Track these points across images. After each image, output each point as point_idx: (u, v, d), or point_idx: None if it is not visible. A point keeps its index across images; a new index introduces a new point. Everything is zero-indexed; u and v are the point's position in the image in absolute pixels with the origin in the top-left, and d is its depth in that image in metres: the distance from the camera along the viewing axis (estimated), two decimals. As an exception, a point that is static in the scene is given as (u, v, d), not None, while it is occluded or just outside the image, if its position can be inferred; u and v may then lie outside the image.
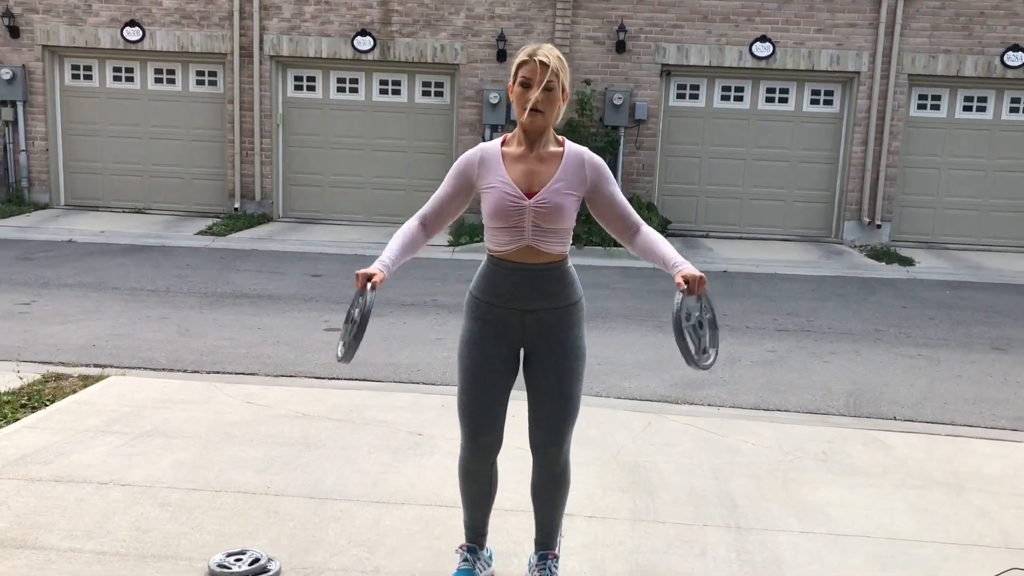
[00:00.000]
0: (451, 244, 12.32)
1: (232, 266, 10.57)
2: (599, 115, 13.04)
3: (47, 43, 13.53)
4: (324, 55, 13.34)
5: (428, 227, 3.15)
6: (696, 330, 3.00)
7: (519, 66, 2.96)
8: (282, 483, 4.06)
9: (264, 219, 13.59)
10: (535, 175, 2.99)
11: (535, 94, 2.91)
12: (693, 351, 2.96)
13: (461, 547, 3.28)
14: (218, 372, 6.20)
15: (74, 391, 5.33)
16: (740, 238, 13.54)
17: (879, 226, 13.32)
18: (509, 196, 2.96)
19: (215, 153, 13.87)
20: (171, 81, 13.85)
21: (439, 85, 13.64)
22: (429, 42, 13.21)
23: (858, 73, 13.02)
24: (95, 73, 13.90)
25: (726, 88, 13.42)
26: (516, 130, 3.05)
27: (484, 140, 13.16)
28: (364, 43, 13.22)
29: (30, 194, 13.85)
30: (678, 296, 2.91)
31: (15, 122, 13.66)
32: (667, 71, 13.27)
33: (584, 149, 3.08)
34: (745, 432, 5.16)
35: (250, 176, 13.69)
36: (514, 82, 2.96)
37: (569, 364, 3.07)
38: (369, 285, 2.90)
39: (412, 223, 3.15)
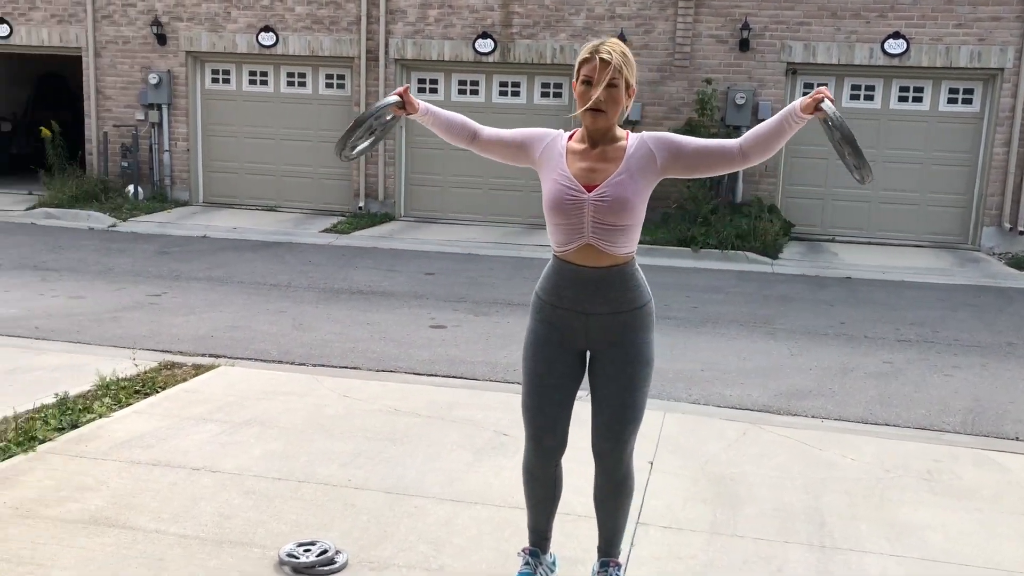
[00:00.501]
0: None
1: (352, 263, 10.88)
2: (720, 115, 12.74)
3: (190, 49, 14.29)
4: (447, 58, 13.57)
5: (475, 139, 3.13)
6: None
7: (581, 63, 2.90)
8: (363, 477, 4.15)
9: (386, 218, 13.94)
10: (596, 171, 2.92)
11: (597, 93, 2.85)
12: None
13: (523, 550, 3.26)
14: (323, 365, 6.39)
15: (185, 379, 5.61)
16: (868, 243, 12.94)
17: (1022, 232, 12.47)
18: (567, 189, 2.91)
19: (341, 153, 14.31)
20: (302, 84, 14.40)
21: (558, 86, 13.64)
22: (548, 43, 13.23)
23: (1002, 70, 12.23)
24: (232, 77, 14.60)
25: (855, 87, 12.86)
26: (580, 129, 3.00)
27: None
28: (485, 45, 13.37)
29: (172, 191, 14.67)
30: (829, 106, 2.74)
31: (160, 124, 14.50)
32: (793, 70, 12.83)
33: (644, 133, 2.98)
34: (845, 446, 4.93)
35: (374, 176, 14.07)
36: (576, 79, 2.92)
37: (633, 370, 3.00)
38: (396, 98, 2.97)
39: (469, 123, 3.13)
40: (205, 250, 11.44)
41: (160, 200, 14.36)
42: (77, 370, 5.62)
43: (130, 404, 5.05)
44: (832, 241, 13.02)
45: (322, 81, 14.33)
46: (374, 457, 4.41)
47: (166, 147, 14.55)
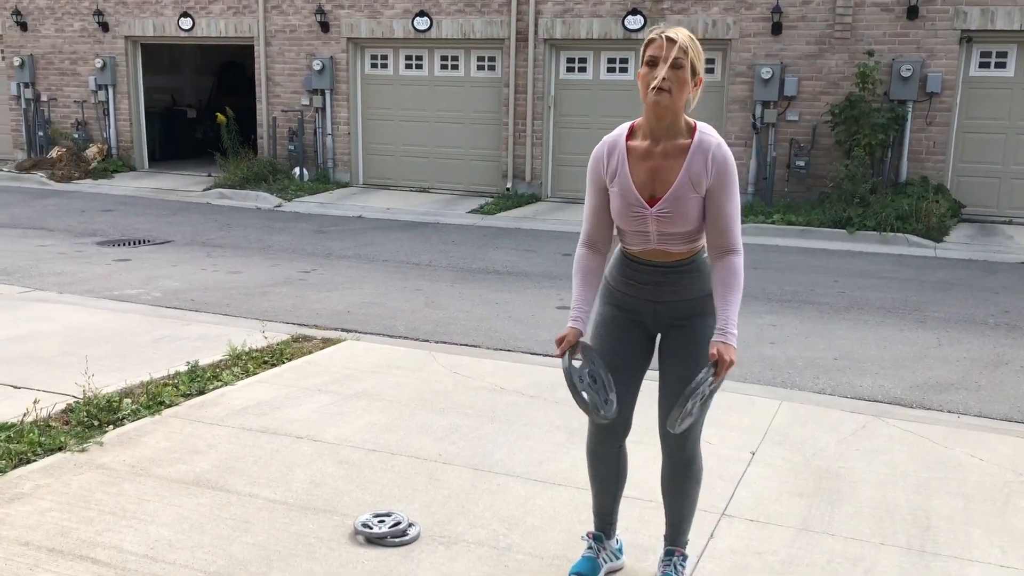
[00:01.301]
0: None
1: (492, 243, 11.05)
2: (884, 89, 11.98)
3: (351, 35, 14.86)
4: (595, 36, 13.45)
5: (598, 245, 2.99)
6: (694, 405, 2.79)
7: (646, 45, 2.81)
8: (454, 452, 4.23)
9: (533, 199, 14.03)
10: (659, 175, 2.82)
11: (662, 71, 2.75)
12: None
13: (588, 534, 3.23)
14: (444, 343, 6.53)
15: (311, 352, 5.89)
16: (1052, 226, 11.87)
17: None
18: (631, 205, 2.84)
19: (492, 135, 14.51)
20: (455, 67, 14.68)
21: (710, 61, 13.23)
22: (700, 17, 12.86)
23: None
24: (390, 61, 15.07)
25: (1041, 55, 11.77)
26: (643, 119, 2.89)
27: (754, 117, 12.66)
28: (635, 22, 13.16)
29: (334, 173, 15.35)
30: (704, 373, 2.74)
31: (323, 108, 15.18)
32: (968, 37, 11.88)
33: (716, 141, 2.82)
34: (976, 445, 4.56)
35: (522, 157, 14.18)
36: (642, 62, 2.83)
37: (699, 351, 2.92)
38: (568, 353, 2.88)
39: (582, 252, 2.99)
40: (358, 229, 11.92)
41: (323, 181, 15.05)
42: (216, 340, 6.01)
43: (256, 374, 5.36)
44: (1008, 223, 12.02)
45: (474, 63, 14.55)
46: (469, 433, 4.48)
47: (329, 131, 15.23)
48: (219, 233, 11.35)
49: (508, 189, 14.26)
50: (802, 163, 12.39)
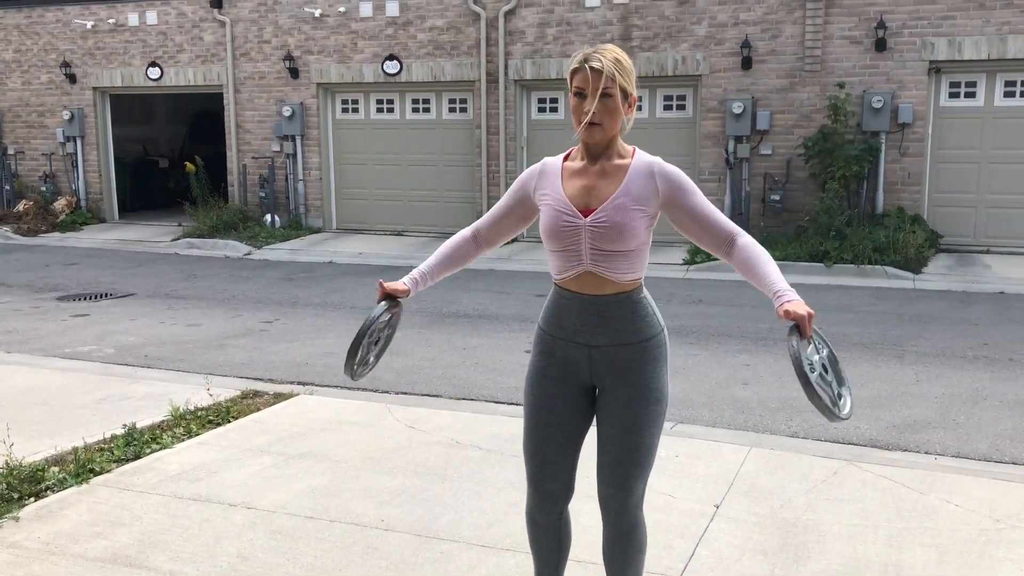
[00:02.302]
0: (686, 262, 11.80)
1: (465, 285, 10.82)
2: (856, 120, 11.90)
3: (320, 80, 14.76)
4: (566, 76, 13.36)
5: (480, 240, 2.94)
6: (823, 377, 2.52)
7: (572, 74, 2.63)
8: (398, 516, 3.96)
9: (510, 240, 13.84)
10: (594, 191, 2.64)
11: (591, 106, 2.57)
12: (829, 403, 2.50)
13: (530, 609, 2.97)
14: (405, 393, 6.28)
15: (259, 409, 5.62)
16: (1030, 254, 11.74)
17: None
18: (563, 215, 2.64)
19: (465, 176, 14.38)
20: (426, 110, 14.57)
21: (681, 98, 13.17)
22: (670, 55, 12.80)
23: None
24: (361, 106, 14.95)
25: (1010, 83, 11.72)
26: (579, 146, 2.72)
27: (727, 152, 12.56)
28: (604, 60, 13.08)
29: (306, 219, 15.16)
30: (793, 342, 2.47)
31: (294, 154, 15.03)
32: (936, 68, 11.84)
33: (655, 159, 2.68)
34: (952, 489, 4.33)
35: (496, 198, 14.02)
36: (570, 92, 2.65)
37: (639, 408, 2.68)
38: (384, 304, 2.81)
39: (465, 233, 2.95)
40: (327, 276, 11.69)
41: (295, 228, 14.85)
42: (161, 399, 5.74)
43: (198, 435, 5.08)
44: (986, 252, 11.89)
45: (445, 106, 14.45)
46: (417, 495, 4.22)
47: (300, 176, 15.06)
48: (183, 284, 11.10)
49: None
50: (777, 197, 12.27)
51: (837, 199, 11.50)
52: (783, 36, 12.26)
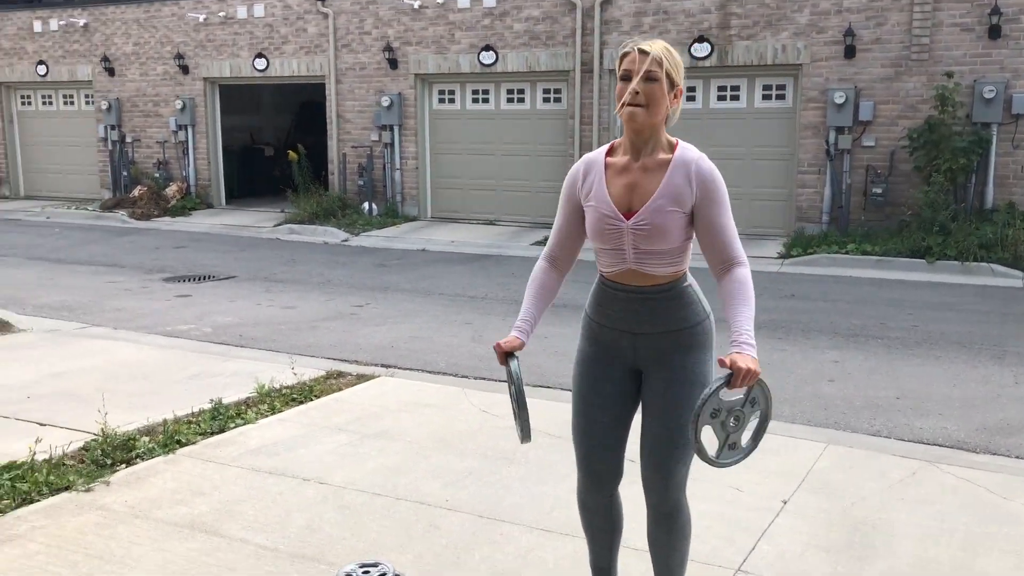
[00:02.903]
0: (781, 256, 11.53)
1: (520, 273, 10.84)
2: (965, 111, 11.39)
3: (419, 71, 14.99)
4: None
5: (559, 263, 2.86)
6: (724, 424, 2.56)
7: (620, 59, 2.64)
8: (463, 497, 4.04)
9: (600, 230, 13.81)
10: (637, 190, 2.64)
11: (633, 83, 2.57)
12: (709, 451, 2.54)
13: (581, 592, 3.00)
14: (482, 379, 6.36)
15: (340, 389, 5.79)
16: None
17: None
18: (607, 217, 2.65)
19: (558, 167, 14.37)
20: (520, 100, 14.63)
21: (780, 87, 12.85)
22: (769, 43, 12.51)
23: None
24: (457, 96, 15.13)
25: None
26: (623, 137, 2.72)
27: (827, 144, 12.19)
28: (701, 49, 12.88)
29: (402, 207, 15.44)
30: (715, 385, 2.48)
31: (392, 144, 15.32)
32: (1055, 55, 11.22)
33: (697, 157, 2.64)
34: (1039, 497, 4.14)
35: (588, 188, 13.99)
36: (617, 77, 2.65)
37: (680, 392, 2.69)
38: (511, 367, 2.72)
39: (541, 265, 2.88)
40: (419, 263, 11.90)
41: (391, 216, 15.14)
42: (250, 377, 5.96)
43: (281, 412, 5.28)
44: (1106, 251, 11.20)
45: (540, 96, 14.48)
46: (483, 477, 4.29)
47: (397, 165, 15.34)
48: (282, 268, 11.48)
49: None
50: (879, 190, 11.86)
51: (942, 193, 11.04)
52: (889, 24, 11.81)
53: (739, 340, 2.53)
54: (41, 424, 4.97)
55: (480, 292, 9.79)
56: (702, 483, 4.25)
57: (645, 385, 2.77)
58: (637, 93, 2.56)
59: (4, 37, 19.15)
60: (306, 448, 4.65)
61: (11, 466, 4.09)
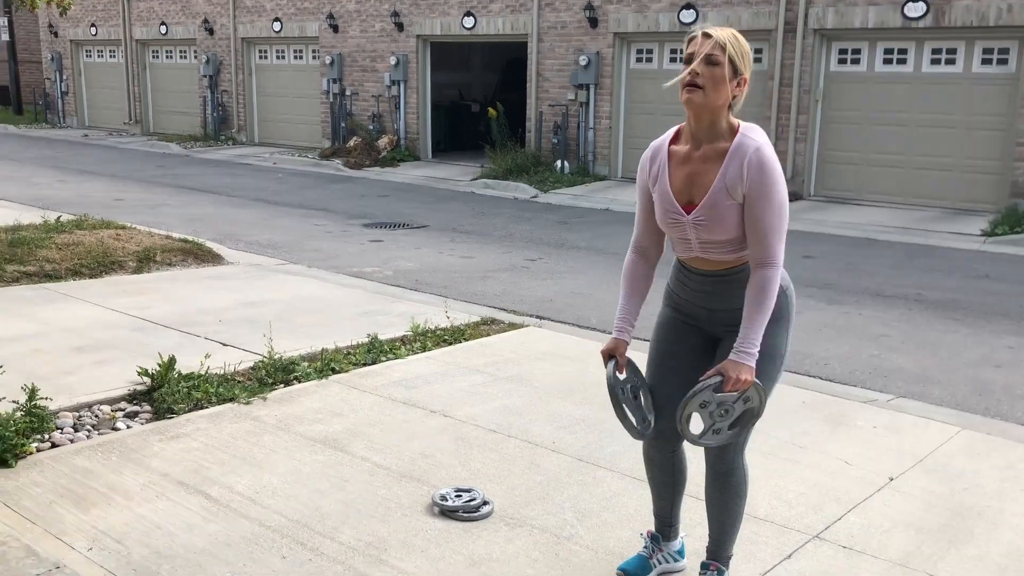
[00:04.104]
0: (985, 234, 10.76)
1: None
2: None
3: (617, 30, 15.03)
4: (871, 25, 12.54)
5: (647, 252, 2.95)
6: (712, 415, 2.73)
7: (687, 44, 2.70)
8: (569, 441, 4.29)
9: (794, 197, 13.39)
10: (697, 180, 2.70)
11: (694, 64, 2.62)
12: (694, 431, 2.74)
13: (646, 533, 3.18)
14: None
15: (489, 335, 6.17)
16: None
17: None
18: (669, 212, 2.76)
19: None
20: (719, 60, 14.35)
21: (1003, 51, 11.84)
22: (993, 3, 11.54)
23: None
24: (655, 56, 15.04)
25: None
26: (686, 122, 2.77)
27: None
28: (915, 9, 12.09)
29: (593, 167, 15.64)
30: (708, 382, 2.69)
31: (587, 103, 15.50)
32: None
33: (755, 144, 2.62)
34: None
35: (783, 152, 13.57)
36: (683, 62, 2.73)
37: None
38: (611, 368, 2.92)
39: (630, 258, 2.98)
40: (600, 222, 12.10)
41: (582, 174, 15.39)
42: (412, 318, 6.45)
43: (429, 350, 5.72)
44: None
45: (739, 56, 14.14)
46: (594, 425, 4.51)
47: (591, 125, 15.52)
48: (470, 220, 12.04)
49: (766, 186, 13.73)
50: (1110, 166, 10.75)
51: None
52: None
53: (740, 348, 2.64)
54: (224, 344, 5.68)
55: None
56: (810, 452, 4.27)
57: (718, 353, 2.87)
58: (697, 75, 2.59)
59: (247, -4, 20.92)
60: (441, 384, 5.06)
61: (190, 376, 4.75)
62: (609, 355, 2.94)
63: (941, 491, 3.89)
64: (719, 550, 2.98)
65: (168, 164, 18.06)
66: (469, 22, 16.85)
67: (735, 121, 2.70)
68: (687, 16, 14.14)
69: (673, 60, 14.84)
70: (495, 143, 16.18)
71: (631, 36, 15.07)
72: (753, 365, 2.64)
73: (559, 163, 15.55)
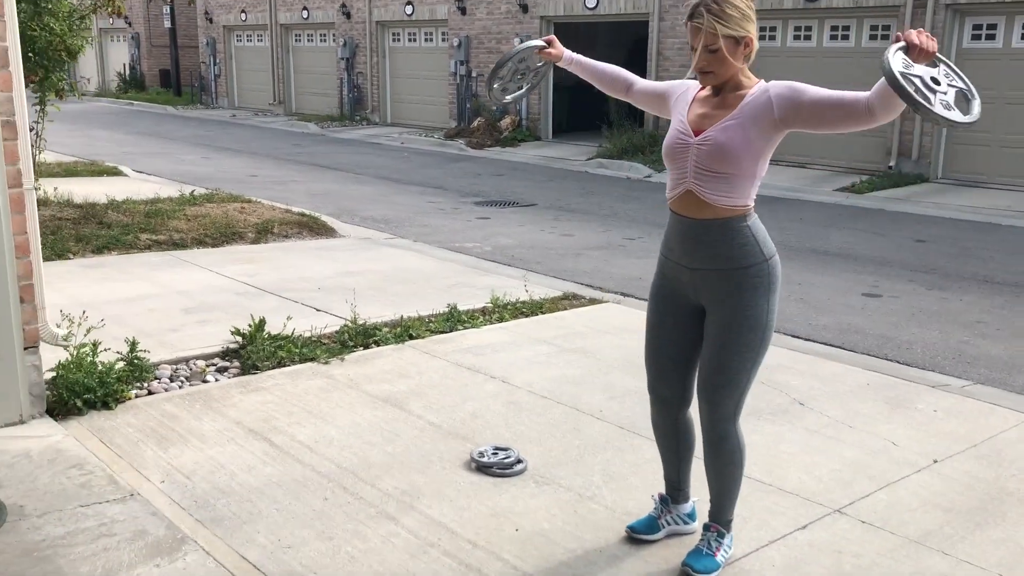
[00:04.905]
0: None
1: (842, 224, 10.49)
2: None
3: (740, 8, 14.75)
4: (1008, -2, 11.89)
5: (630, 91, 3.29)
6: (926, 84, 2.47)
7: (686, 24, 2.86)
8: (614, 410, 4.45)
9: (918, 179, 12.89)
10: (710, 117, 2.85)
11: (695, 61, 2.81)
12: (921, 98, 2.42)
13: (657, 494, 3.33)
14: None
15: (565, 309, 6.36)
16: None
17: None
18: (678, 132, 2.92)
19: (880, 109, 13.58)
20: (845, 38, 13.90)
21: None
22: None
23: None
24: (778, 33, 14.69)
25: None
26: None
27: None
28: (1057, -20, 11.38)
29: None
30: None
31: (708, 82, 15.32)
32: None
33: (773, 83, 2.79)
34: None
35: (909, 133, 13.08)
36: None
37: (733, 331, 2.88)
38: (539, 42, 3.39)
39: (626, 74, 3.34)
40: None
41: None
42: (498, 290, 6.69)
43: (504, 322, 5.98)
44: None
45: (866, 33, 13.66)
46: (644, 397, 4.61)
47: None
48: (578, 199, 12.21)
49: (890, 167, 13.26)
50: None
51: None
52: None
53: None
54: (317, 310, 6.11)
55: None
56: (858, 431, 4.29)
57: (706, 322, 2.98)
58: (704, 65, 2.78)
59: (381, -19, 21.63)
60: (507, 352, 5.30)
61: (277, 337, 5.18)
62: (547, 43, 3.37)
63: (985, 476, 3.85)
64: (719, 513, 3.10)
65: (303, 143, 19.00)
66: (592, 2, 16.91)
67: (753, 78, 2.85)
68: (812, -8, 13.76)
69: (796, 38, 14.48)
70: (612, 123, 16.23)
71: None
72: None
73: (677, 143, 15.45)
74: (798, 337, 6.10)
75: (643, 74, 17.28)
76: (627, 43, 20.77)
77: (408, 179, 13.92)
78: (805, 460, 3.95)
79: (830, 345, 5.94)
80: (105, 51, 35.29)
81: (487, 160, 16.47)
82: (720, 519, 3.10)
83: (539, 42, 3.36)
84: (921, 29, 2.53)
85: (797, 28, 14.44)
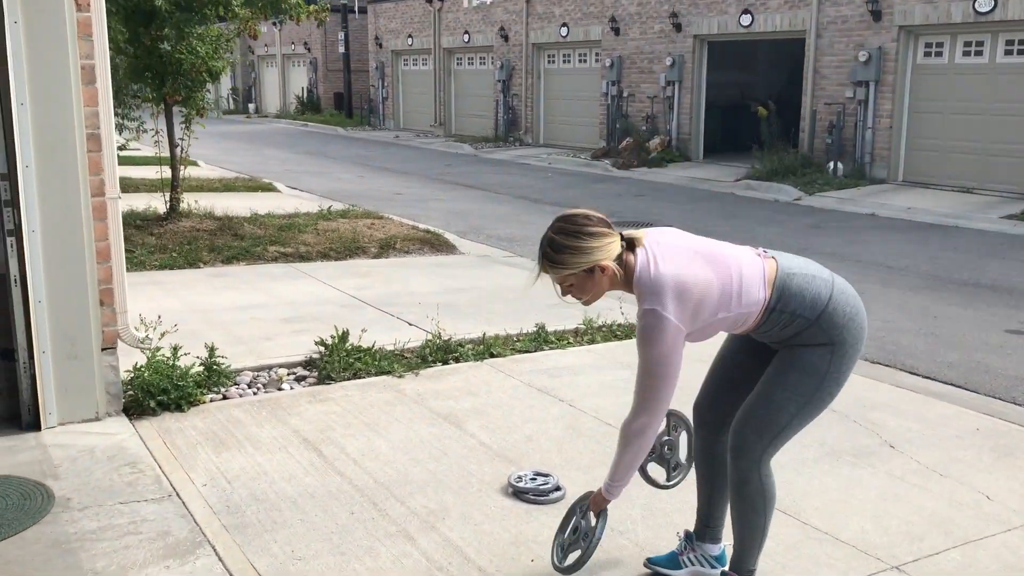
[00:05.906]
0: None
1: (1003, 253, 9.63)
2: None
3: (903, 23, 13.92)
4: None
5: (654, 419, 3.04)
6: (573, 534, 2.97)
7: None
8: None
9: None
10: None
11: (559, 293, 2.82)
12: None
13: (683, 531, 3.11)
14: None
15: (663, 334, 6.11)
16: None
17: None
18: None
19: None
20: (1021, 53, 12.81)
21: None
22: None
23: None
24: (945, 49, 13.74)
25: None
26: None
27: None
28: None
29: (870, 169, 14.61)
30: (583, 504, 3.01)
31: (866, 101, 14.50)
32: None
33: (644, 297, 2.63)
34: None
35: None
36: None
37: (782, 371, 2.74)
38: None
39: (656, 425, 2.96)
40: (858, 227, 11.34)
41: (856, 177, 14.44)
42: (595, 311, 6.52)
43: (594, 343, 5.81)
44: None
45: (1045, 47, 12.54)
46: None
47: (869, 124, 14.52)
48: (716, 221, 11.79)
49: (1068, 194, 12.07)
50: None
51: None
52: None
53: (606, 486, 2.92)
54: (409, 324, 6.16)
55: (901, 264, 9.12)
56: (949, 480, 3.88)
57: (772, 359, 2.81)
58: (571, 295, 2.77)
59: (539, 1, 21.89)
60: (584, 376, 5.14)
61: (358, 349, 5.24)
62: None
63: (1086, 539, 3.36)
64: (739, 561, 2.84)
65: (455, 163, 19.42)
66: (746, 20, 16.42)
67: (632, 262, 2.70)
68: (983, 5, 12.78)
69: (967, 54, 13.48)
70: (763, 143, 15.65)
71: (919, 29, 13.89)
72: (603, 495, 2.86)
73: (831, 164, 14.71)
74: (915, 374, 5.60)
75: (799, 94, 16.62)
76: (788, 62, 20.05)
77: (545, 199, 13.92)
78: (875, 509, 3.58)
79: (951, 384, 5.42)
80: (287, 75, 37.53)
81: (631, 181, 16.24)
82: (740, 568, 2.84)
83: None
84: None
85: (967, 43, 13.44)
